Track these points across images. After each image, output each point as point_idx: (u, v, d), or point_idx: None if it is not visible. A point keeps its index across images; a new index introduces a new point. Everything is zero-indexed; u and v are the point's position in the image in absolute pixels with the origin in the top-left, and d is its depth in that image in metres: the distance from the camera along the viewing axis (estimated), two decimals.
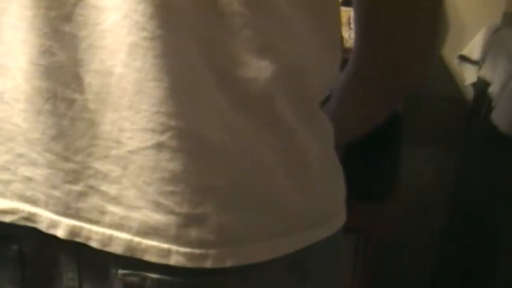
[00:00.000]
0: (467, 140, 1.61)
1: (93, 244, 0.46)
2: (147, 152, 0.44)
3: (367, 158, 1.14)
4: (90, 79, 0.44)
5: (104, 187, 0.45)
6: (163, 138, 0.43)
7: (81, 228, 0.46)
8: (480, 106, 1.41)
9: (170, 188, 0.44)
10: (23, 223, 0.47)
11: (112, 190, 0.45)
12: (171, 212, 0.44)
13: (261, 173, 0.46)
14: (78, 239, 0.46)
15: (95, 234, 0.46)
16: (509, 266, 1.30)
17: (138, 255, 0.45)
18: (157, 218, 0.44)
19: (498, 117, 1.19)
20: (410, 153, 1.62)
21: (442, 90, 1.60)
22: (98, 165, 0.45)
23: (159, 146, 0.43)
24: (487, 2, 1.50)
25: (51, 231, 0.47)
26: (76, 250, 0.47)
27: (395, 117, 1.15)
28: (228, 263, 0.45)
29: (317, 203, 0.50)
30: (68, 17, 0.43)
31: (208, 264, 0.45)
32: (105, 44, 0.43)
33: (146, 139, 0.43)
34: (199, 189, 0.44)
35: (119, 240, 0.45)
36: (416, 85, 0.65)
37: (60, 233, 0.46)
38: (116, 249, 0.45)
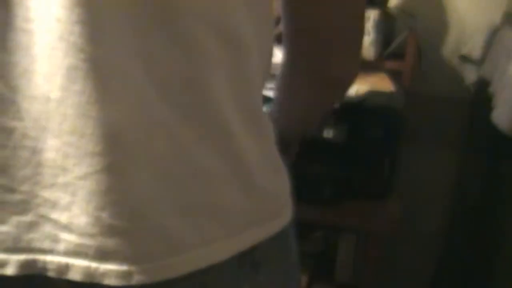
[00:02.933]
0: (467, 140, 1.61)
1: (51, 274, 0.45)
2: (96, 177, 0.43)
3: (368, 157, 1.14)
4: (28, 106, 0.42)
5: (54, 215, 0.44)
6: (113, 159, 0.43)
7: (35, 260, 0.45)
8: (480, 106, 1.41)
9: (119, 209, 0.43)
10: None
11: (63, 218, 0.44)
12: (127, 232, 0.44)
13: (201, 178, 0.46)
14: (32, 272, 0.45)
15: (50, 264, 0.45)
16: (509, 266, 1.30)
17: (97, 280, 0.44)
18: (113, 242, 0.44)
19: (498, 117, 1.19)
20: (410, 152, 1.61)
21: (442, 90, 1.60)
22: (46, 194, 0.44)
23: (110, 168, 0.43)
24: (487, 2, 1.50)
25: None
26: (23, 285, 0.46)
27: (395, 116, 1.15)
28: (182, 271, 0.45)
29: (259, 202, 0.51)
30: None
31: (167, 275, 0.45)
32: (38, 68, 0.42)
33: (94, 163, 0.42)
34: (149, 202, 0.44)
35: (76, 267, 0.44)
36: (350, 82, 0.66)
37: (10, 270, 0.45)
38: (74, 276, 0.44)
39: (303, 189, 1.12)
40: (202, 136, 0.46)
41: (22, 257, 0.45)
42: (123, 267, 0.44)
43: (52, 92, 0.42)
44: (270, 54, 0.55)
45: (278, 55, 1.13)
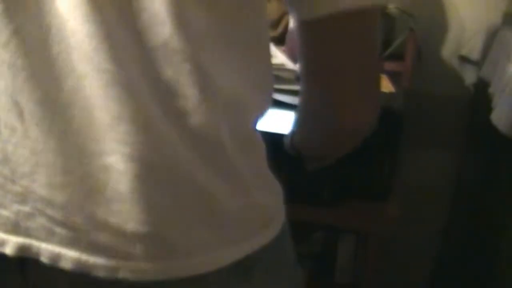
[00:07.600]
0: (467, 140, 1.61)
1: (43, 259, 0.48)
2: (96, 175, 0.45)
3: (368, 158, 1.14)
4: (32, 108, 0.44)
5: (49, 212, 0.47)
6: (110, 160, 0.45)
7: (30, 245, 0.48)
8: (480, 106, 1.41)
9: (117, 207, 0.45)
10: None
11: (59, 215, 0.46)
12: (118, 230, 0.46)
13: (201, 193, 0.48)
14: (27, 255, 0.48)
15: (44, 250, 0.48)
16: (509, 266, 1.30)
17: (86, 271, 0.47)
18: (105, 237, 0.46)
19: (498, 117, 1.19)
20: (410, 153, 1.62)
21: (442, 90, 1.60)
22: (43, 192, 0.46)
23: (107, 168, 0.45)
24: (487, 2, 1.50)
25: None
26: (21, 268, 0.49)
27: (395, 117, 1.15)
28: (171, 275, 0.47)
29: (254, 215, 0.53)
30: (6, 45, 0.43)
31: (152, 277, 0.47)
32: (48, 74, 0.44)
33: (94, 162, 0.45)
34: (144, 207, 0.46)
35: (68, 257, 0.47)
36: (365, 132, 0.60)
37: (9, 250, 0.48)
38: (65, 265, 0.47)
39: (303, 190, 1.12)
40: (202, 155, 0.48)
41: (20, 239, 0.48)
42: (112, 262, 0.46)
43: (61, 97, 0.45)
44: (270, 87, 0.56)
45: (278, 56, 1.13)
